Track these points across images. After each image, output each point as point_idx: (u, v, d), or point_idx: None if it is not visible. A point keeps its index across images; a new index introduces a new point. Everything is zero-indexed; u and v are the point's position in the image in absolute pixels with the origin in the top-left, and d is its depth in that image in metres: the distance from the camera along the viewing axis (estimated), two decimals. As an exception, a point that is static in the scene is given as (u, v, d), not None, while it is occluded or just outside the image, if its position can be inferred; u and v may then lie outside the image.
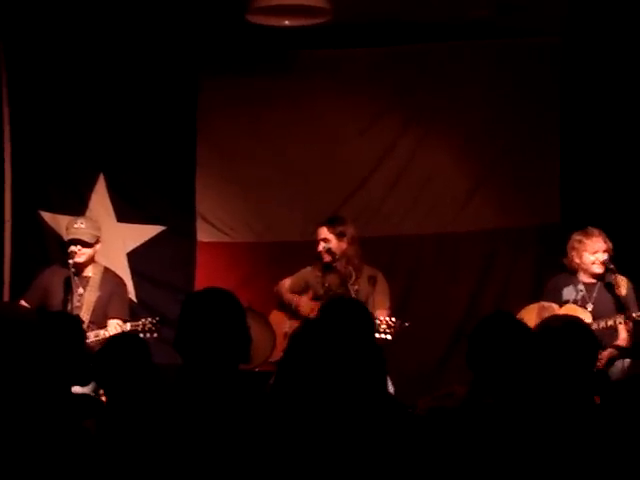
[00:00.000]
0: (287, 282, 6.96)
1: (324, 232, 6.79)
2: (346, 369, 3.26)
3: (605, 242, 6.51)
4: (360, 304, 4.06)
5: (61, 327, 3.85)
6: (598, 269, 6.52)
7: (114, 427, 3.42)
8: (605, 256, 6.50)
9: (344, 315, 3.72)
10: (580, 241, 6.56)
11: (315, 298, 6.78)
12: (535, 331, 3.74)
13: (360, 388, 3.33)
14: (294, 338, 3.36)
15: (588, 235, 6.55)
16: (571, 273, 6.63)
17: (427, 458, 3.27)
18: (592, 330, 3.76)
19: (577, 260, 6.57)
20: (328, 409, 3.18)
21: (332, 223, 6.82)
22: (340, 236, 6.76)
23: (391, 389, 5.85)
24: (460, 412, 3.58)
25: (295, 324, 6.35)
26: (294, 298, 6.88)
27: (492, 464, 3.33)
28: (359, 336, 3.62)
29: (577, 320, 3.83)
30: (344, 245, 6.76)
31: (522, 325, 3.89)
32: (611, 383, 3.82)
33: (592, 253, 6.52)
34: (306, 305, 6.78)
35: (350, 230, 6.82)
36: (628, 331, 6.38)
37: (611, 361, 6.37)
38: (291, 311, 6.86)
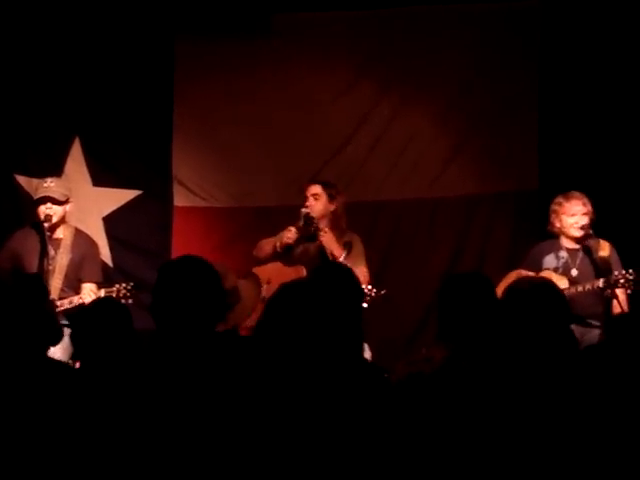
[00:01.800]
0: (267, 239, 6.86)
1: (317, 188, 6.76)
2: (327, 334, 3.26)
3: (585, 205, 6.45)
4: (350, 272, 4.05)
5: (22, 288, 3.82)
6: (576, 232, 6.47)
7: (89, 394, 3.40)
8: (585, 219, 6.46)
9: (334, 280, 3.72)
10: (560, 204, 6.51)
11: (291, 263, 6.74)
12: (504, 294, 3.73)
13: (338, 354, 3.32)
14: (272, 302, 3.36)
15: (567, 198, 6.50)
16: (554, 239, 6.60)
17: (404, 425, 3.27)
18: (560, 291, 3.75)
19: (557, 224, 6.53)
20: (305, 373, 3.18)
21: (326, 183, 6.82)
22: (330, 197, 6.75)
23: (368, 354, 5.84)
24: (436, 378, 3.56)
25: (272, 288, 6.29)
26: (277, 236, 6.75)
27: (468, 430, 3.33)
28: (347, 302, 3.62)
29: (545, 281, 3.82)
30: (331, 207, 6.74)
31: (485, 285, 3.88)
32: (585, 348, 3.82)
33: (570, 215, 6.47)
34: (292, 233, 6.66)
35: (341, 197, 6.81)
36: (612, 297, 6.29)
37: None
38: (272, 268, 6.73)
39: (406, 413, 3.29)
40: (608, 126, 7.47)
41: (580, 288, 6.31)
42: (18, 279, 4.00)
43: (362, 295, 3.90)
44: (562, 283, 6.27)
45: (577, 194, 6.50)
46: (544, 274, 6.37)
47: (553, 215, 6.54)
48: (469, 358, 3.57)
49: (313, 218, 6.65)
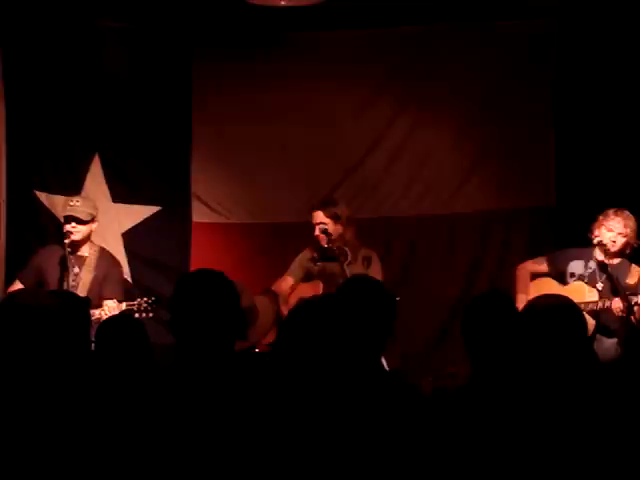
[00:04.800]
0: (289, 281, 6.77)
1: (320, 216, 6.72)
2: (347, 349, 3.25)
3: (625, 227, 6.33)
4: (382, 286, 3.99)
5: (70, 307, 3.84)
6: (604, 244, 6.33)
7: (108, 407, 3.41)
8: (620, 239, 6.33)
9: (360, 294, 3.69)
10: (605, 214, 6.39)
11: (309, 279, 6.77)
12: (523, 310, 3.72)
13: (359, 369, 3.32)
14: (293, 315, 3.35)
15: (616, 212, 6.38)
16: (587, 248, 6.45)
17: (429, 439, 3.26)
18: (580, 309, 3.74)
19: (595, 233, 6.39)
20: (325, 390, 3.18)
21: (326, 206, 6.76)
22: (335, 219, 6.71)
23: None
24: (461, 394, 3.56)
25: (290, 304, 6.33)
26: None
27: (489, 447, 3.34)
28: (377, 318, 3.59)
29: (565, 300, 3.82)
30: (340, 228, 6.72)
31: (512, 303, 3.88)
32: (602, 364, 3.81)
33: (608, 230, 6.39)
34: None
35: (344, 211, 6.77)
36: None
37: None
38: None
39: (429, 428, 3.28)
40: (625, 143, 7.47)
41: (600, 305, 6.27)
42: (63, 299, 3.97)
43: (392, 307, 3.76)
44: (592, 295, 6.27)
45: (627, 214, 6.38)
46: (576, 285, 6.37)
47: (596, 223, 6.43)
48: (492, 375, 3.57)
49: (326, 250, 6.68)
